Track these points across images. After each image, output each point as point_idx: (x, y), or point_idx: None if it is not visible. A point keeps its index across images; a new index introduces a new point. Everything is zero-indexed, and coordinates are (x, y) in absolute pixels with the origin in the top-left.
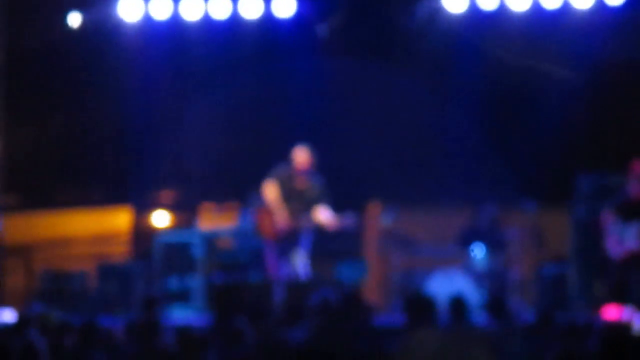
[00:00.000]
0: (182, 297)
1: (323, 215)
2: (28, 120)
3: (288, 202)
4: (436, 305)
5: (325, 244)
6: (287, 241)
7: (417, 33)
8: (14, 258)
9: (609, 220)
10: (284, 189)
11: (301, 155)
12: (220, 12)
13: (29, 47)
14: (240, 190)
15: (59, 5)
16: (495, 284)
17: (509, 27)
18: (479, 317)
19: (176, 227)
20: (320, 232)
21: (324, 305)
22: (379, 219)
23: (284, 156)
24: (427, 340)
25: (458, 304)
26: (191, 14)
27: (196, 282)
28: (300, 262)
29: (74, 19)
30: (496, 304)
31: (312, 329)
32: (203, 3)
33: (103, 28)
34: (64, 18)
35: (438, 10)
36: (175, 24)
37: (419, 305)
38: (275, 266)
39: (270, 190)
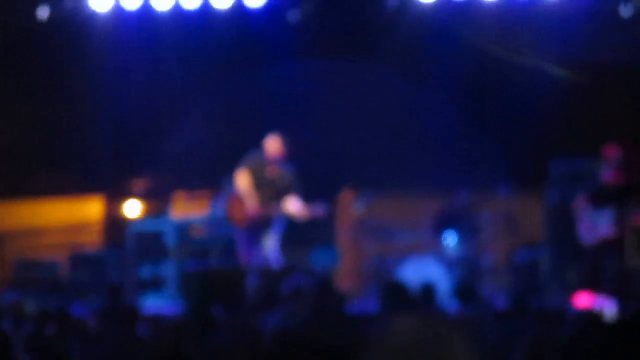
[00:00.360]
0: (155, 285)
1: (293, 205)
2: None
3: (259, 190)
4: (409, 291)
5: (297, 231)
6: (259, 228)
7: (388, 21)
8: None
9: (582, 206)
10: (255, 176)
11: (273, 144)
12: (191, 1)
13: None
14: (212, 178)
15: None
16: (467, 270)
17: (480, 16)
18: (451, 303)
19: (149, 215)
20: (292, 220)
21: (297, 292)
22: (351, 205)
23: (256, 144)
24: (401, 326)
25: (428, 290)
26: (162, 3)
27: (169, 270)
28: (272, 250)
29: (42, 11)
30: (466, 291)
31: (286, 316)
32: None
33: (73, 18)
34: (32, 10)
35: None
36: (146, 13)
37: (393, 292)
38: (248, 254)
39: (242, 178)
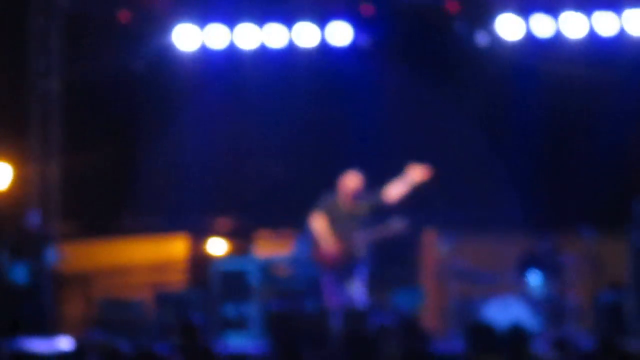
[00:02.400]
0: (239, 324)
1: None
2: (86, 148)
3: (338, 227)
4: (495, 332)
5: (382, 272)
6: (344, 269)
7: (474, 59)
8: (72, 286)
9: None
10: (331, 216)
11: (352, 180)
12: (276, 41)
13: (87, 77)
14: (296, 217)
15: (119, 39)
16: (552, 310)
17: (565, 53)
18: (537, 344)
19: (233, 254)
20: (376, 261)
21: (383, 331)
22: (436, 246)
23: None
24: None
25: (516, 331)
26: (247, 43)
27: (253, 310)
28: (357, 290)
29: (138, 64)
30: (560, 340)
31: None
32: (259, 32)
33: (160, 58)
34: (127, 53)
35: (495, 38)
36: (232, 53)
37: (479, 332)
38: (332, 294)
39: (317, 221)
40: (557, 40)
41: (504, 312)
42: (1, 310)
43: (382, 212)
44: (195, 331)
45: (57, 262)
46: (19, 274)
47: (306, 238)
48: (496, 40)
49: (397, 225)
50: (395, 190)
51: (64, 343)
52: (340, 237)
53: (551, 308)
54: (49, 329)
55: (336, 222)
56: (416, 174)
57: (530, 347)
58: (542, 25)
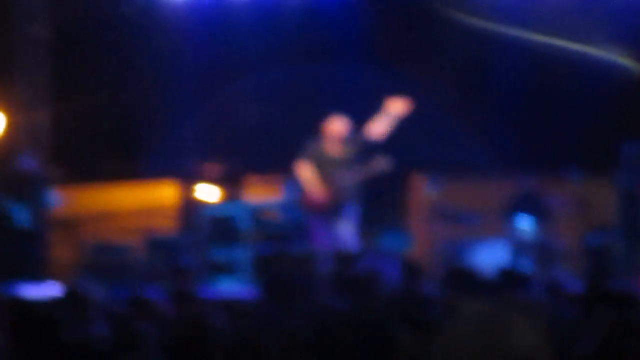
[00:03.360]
0: (228, 269)
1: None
2: (74, 94)
3: (324, 172)
4: (478, 276)
5: (369, 215)
6: (333, 213)
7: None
8: (60, 231)
9: None
10: (317, 162)
11: (337, 124)
12: None
13: (75, 21)
14: (285, 162)
15: None
16: (540, 254)
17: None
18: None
19: (222, 200)
20: (364, 204)
21: (372, 273)
22: (423, 189)
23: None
24: (473, 310)
25: (507, 275)
26: None
27: (242, 254)
28: (346, 234)
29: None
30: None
31: (359, 297)
32: None
33: (149, 2)
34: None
35: None
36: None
37: (459, 277)
38: (322, 238)
39: (303, 169)
40: None
41: (491, 256)
42: (5, 253)
43: (367, 154)
44: (185, 275)
45: (56, 205)
46: (21, 217)
47: (294, 183)
48: None
49: (381, 164)
50: (377, 126)
51: (53, 289)
52: (327, 182)
53: (539, 251)
54: (40, 274)
55: (322, 167)
56: (396, 107)
57: (519, 291)
58: None
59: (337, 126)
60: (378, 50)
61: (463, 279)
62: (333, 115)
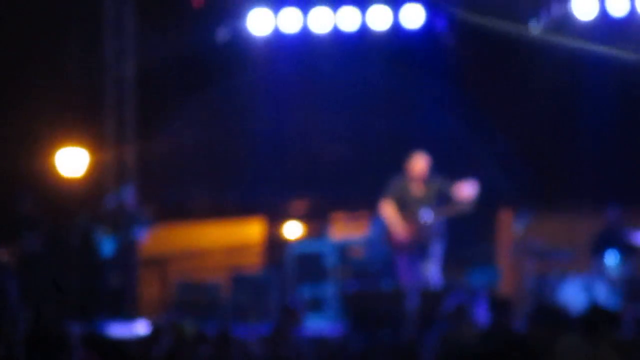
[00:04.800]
0: (315, 306)
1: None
2: (161, 132)
3: (408, 210)
4: (567, 313)
5: (458, 252)
6: (417, 250)
7: (546, 39)
8: (149, 269)
9: None
10: (400, 201)
11: (419, 163)
12: (349, 24)
13: (161, 61)
14: (371, 198)
15: (192, 23)
16: (629, 289)
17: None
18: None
19: (308, 236)
20: (453, 240)
21: (459, 309)
22: (511, 224)
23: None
24: (565, 347)
25: (597, 311)
26: (320, 26)
27: (329, 291)
28: (432, 271)
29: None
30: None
31: (448, 334)
32: (332, 15)
33: (233, 42)
34: (200, 37)
35: (567, 17)
36: (305, 37)
37: (549, 314)
38: (408, 275)
39: (387, 208)
40: (631, 19)
41: (579, 292)
42: (85, 287)
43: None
44: (291, 314)
45: (145, 240)
46: (107, 247)
47: (380, 220)
48: (569, 21)
49: (462, 205)
50: (464, 192)
51: (142, 327)
52: (410, 220)
53: (628, 287)
54: (128, 312)
55: (406, 205)
56: (464, 193)
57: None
58: (616, 3)
59: (419, 164)
60: (464, 83)
61: (552, 316)
62: (416, 153)
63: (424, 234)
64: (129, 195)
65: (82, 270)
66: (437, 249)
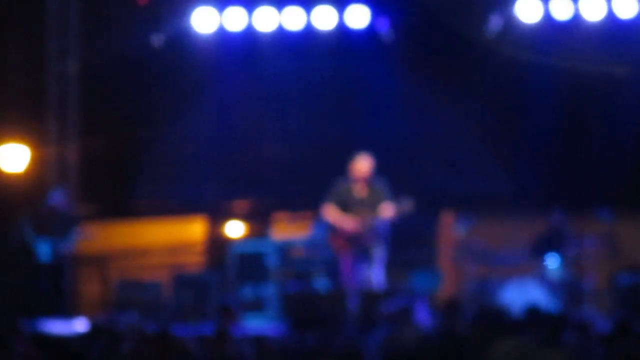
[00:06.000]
0: (256, 306)
1: (385, 211)
2: (103, 131)
3: (350, 213)
4: (507, 316)
5: (399, 255)
6: (360, 252)
7: (489, 43)
8: (89, 267)
9: None
10: (343, 204)
11: (362, 164)
12: (294, 23)
13: (104, 59)
14: (313, 199)
15: (137, 21)
16: (569, 293)
17: (583, 36)
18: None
19: (250, 236)
20: (394, 244)
21: (401, 312)
22: (452, 227)
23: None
24: (504, 349)
25: (533, 313)
26: (265, 25)
27: (270, 292)
28: (374, 272)
29: (157, 39)
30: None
31: (390, 336)
32: (277, 14)
33: (177, 40)
34: (145, 35)
35: (511, 21)
36: (249, 35)
37: (489, 317)
38: (350, 276)
39: (330, 212)
40: (575, 22)
41: (521, 295)
42: (25, 287)
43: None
44: (228, 314)
45: (81, 241)
46: (43, 251)
47: (323, 223)
48: (513, 24)
49: (404, 206)
50: (387, 212)
51: (81, 325)
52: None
53: (568, 290)
54: (68, 310)
55: (348, 207)
56: (389, 213)
57: (548, 330)
58: (561, 8)
59: (362, 165)
60: (409, 85)
61: (492, 319)
62: (360, 154)
63: (366, 235)
64: (60, 198)
65: (21, 269)
66: (380, 253)
